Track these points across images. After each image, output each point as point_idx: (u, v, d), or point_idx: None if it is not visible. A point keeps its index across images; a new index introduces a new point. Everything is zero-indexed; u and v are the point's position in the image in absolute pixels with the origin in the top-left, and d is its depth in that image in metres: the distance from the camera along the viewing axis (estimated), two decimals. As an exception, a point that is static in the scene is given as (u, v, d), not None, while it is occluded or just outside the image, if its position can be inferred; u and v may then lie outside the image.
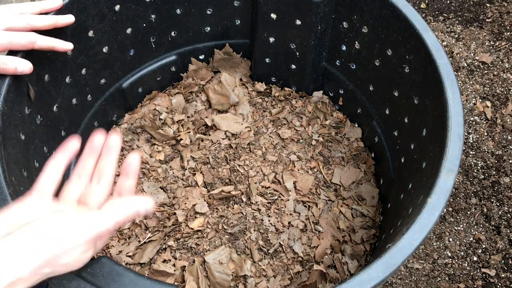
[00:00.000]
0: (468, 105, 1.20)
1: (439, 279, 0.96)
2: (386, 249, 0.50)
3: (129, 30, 0.82)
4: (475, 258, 0.98)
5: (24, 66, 0.59)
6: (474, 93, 1.22)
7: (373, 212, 0.84)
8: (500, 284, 0.95)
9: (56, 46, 0.63)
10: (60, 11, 0.68)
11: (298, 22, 0.84)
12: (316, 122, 0.95)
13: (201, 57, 0.98)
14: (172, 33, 0.90)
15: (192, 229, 0.81)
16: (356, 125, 0.95)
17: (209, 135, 0.93)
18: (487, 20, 1.37)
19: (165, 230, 0.81)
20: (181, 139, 0.91)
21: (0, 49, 0.58)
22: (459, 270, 0.97)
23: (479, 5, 1.41)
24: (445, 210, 1.04)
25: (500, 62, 1.27)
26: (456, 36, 1.33)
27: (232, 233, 0.81)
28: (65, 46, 0.65)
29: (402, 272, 0.97)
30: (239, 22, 0.92)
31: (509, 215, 1.03)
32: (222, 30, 0.93)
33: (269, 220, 0.82)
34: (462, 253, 0.99)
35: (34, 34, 0.60)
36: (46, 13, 0.65)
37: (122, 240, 0.81)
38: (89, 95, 0.83)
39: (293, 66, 0.94)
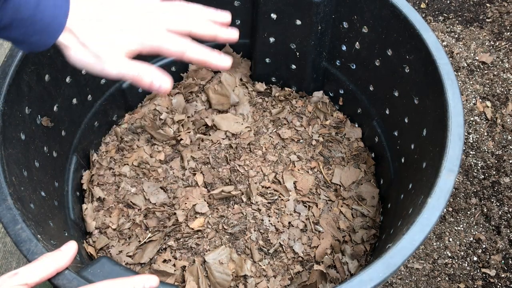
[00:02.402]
0: (468, 105, 1.20)
1: (439, 279, 0.96)
2: (386, 249, 0.50)
3: (129, 30, 0.82)
4: (475, 258, 0.98)
5: (161, 84, 0.50)
6: (474, 93, 1.22)
7: (373, 212, 0.84)
8: (500, 284, 0.95)
9: (209, 61, 0.52)
10: None
11: (298, 22, 0.84)
12: (316, 122, 0.95)
13: (201, 57, 0.98)
14: (172, 33, 0.90)
15: (192, 229, 0.81)
16: (356, 125, 0.95)
17: (209, 135, 0.93)
18: (487, 20, 1.37)
19: (165, 230, 0.81)
20: (181, 139, 0.91)
21: (150, 51, 0.50)
22: (459, 270, 0.97)
23: (479, 5, 1.41)
24: (445, 210, 1.04)
25: (500, 62, 1.27)
26: (456, 36, 1.33)
27: (232, 233, 0.81)
28: (222, 63, 0.53)
29: (402, 272, 0.97)
30: (239, 22, 0.92)
31: (509, 215, 1.03)
32: (222, 30, 0.93)
33: (269, 220, 0.82)
34: (462, 253, 0.99)
35: (188, 43, 0.51)
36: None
37: (122, 240, 0.81)
38: (90, 95, 0.83)
39: (293, 66, 0.94)
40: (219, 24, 0.54)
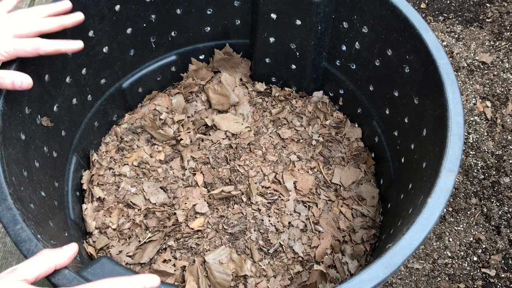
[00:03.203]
0: (468, 105, 1.20)
1: (439, 279, 0.96)
2: (386, 249, 0.50)
3: (129, 30, 0.82)
4: (475, 258, 0.98)
5: (22, 81, 0.57)
6: (474, 93, 1.22)
7: (373, 212, 0.84)
8: (500, 284, 0.95)
9: (61, 48, 0.61)
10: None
11: (298, 22, 0.84)
12: (316, 122, 0.95)
13: (201, 57, 0.98)
14: (172, 33, 0.90)
15: (192, 229, 0.81)
16: (356, 125, 0.95)
17: (209, 135, 0.93)
18: (487, 20, 1.37)
19: (165, 230, 0.81)
20: (181, 139, 0.91)
21: (8, 57, 0.57)
22: (459, 270, 0.97)
23: (479, 5, 1.41)
24: (445, 210, 1.04)
25: (500, 62, 1.27)
26: (456, 36, 1.34)
27: (232, 233, 0.81)
28: (73, 46, 0.62)
29: (402, 272, 0.97)
30: (239, 22, 0.92)
31: (509, 215, 1.03)
32: (222, 30, 0.93)
33: (269, 220, 0.82)
34: (462, 253, 0.99)
35: (39, 40, 0.59)
36: (56, 15, 0.64)
37: (122, 240, 0.81)
38: (89, 95, 0.83)
39: (293, 66, 0.94)
40: (62, 14, 0.64)
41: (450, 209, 1.04)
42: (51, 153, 0.72)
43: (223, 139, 0.92)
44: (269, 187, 0.86)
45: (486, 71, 1.25)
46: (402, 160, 0.77)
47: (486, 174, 1.09)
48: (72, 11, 0.69)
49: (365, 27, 0.78)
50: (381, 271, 0.47)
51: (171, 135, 0.92)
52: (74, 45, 0.63)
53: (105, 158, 0.89)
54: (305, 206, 0.84)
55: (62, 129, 0.76)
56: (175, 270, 0.77)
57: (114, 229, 0.81)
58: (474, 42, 1.31)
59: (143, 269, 0.78)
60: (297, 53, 0.90)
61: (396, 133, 0.80)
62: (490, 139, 1.14)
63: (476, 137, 1.14)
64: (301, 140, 0.93)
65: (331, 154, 0.92)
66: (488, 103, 1.20)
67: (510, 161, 1.10)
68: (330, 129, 0.94)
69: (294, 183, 0.86)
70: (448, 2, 1.42)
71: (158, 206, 0.84)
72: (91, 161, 0.88)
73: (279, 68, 0.96)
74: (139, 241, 0.80)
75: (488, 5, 1.41)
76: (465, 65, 1.26)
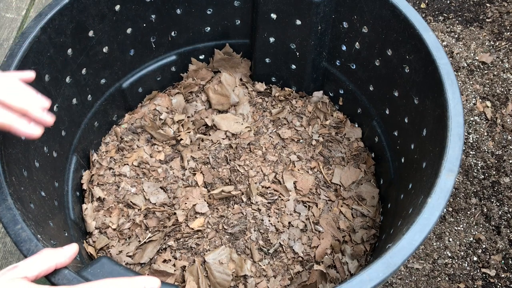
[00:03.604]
0: (468, 105, 1.20)
1: (439, 279, 0.96)
2: (386, 249, 0.50)
3: (129, 30, 0.82)
4: (475, 258, 0.98)
5: None
6: (474, 93, 1.22)
7: (373, 212, 0.84)
8: (500, 284, 0.95)
9: (13, 125, 0.51)
10: (60, 11, 0.67)
11: (298, 22, 0.84)
12: (316, 122, 0.95)
13: (201, 57, 0.98)
14: (172, 33, 0.90)
15: (192, 229, 0.81)
16: (356, 125, 0.95)
17: (209, 135, 0.93)
18: (487, 20, 1.37)
19: (165, 230, 0.81)
20: (181, 139, 0.91)
21: None
22: (459, 270, 0.97)
23: (479, 5, 1.41)
24: (445, 210, 1.04)
25: (500, 62, 1.27)
26: (456, 36, 1.33)
27: (232, 233, 0.81)
28: (29, 130, 0.52)
29: (402, 272, 0.97)
30: (239, 22, 0.92)
31: (509, 215, 1.03)
32: (222, 30, 0.93)
33: (269, 220, 0.82)
34: (462, 253, 0.99)
35: None
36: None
37: (122, 240, 0.81)
38: (89, 95, 0.83)
39: (293, 66, 0.94)
40: (39, 113, 0.54)
41: (450, 209, 1.04)
42: (51, 153, 0.72)
43: (223, 139, 0.92)
44: (269, 187, 0.86)
45: (486, 71, 1.25)
46: (402, 160, 0.77)
47: (486, 174, 1.09)
48: (72, 10, 0.69)
49: (365, 27, 0.78)
50: (381, 271, 0.47)
51: (171, 135, 0.92)
52: (31, 130, 0.52)
53: (105, 158, 0.89)
54: (305, 206, 0.84)
55: (62, 129, 0.76)
56: (175, 270, 0.77)
57: (114, 229, 0.81)
58: (474, 42, 1.31)
59: (143, 269, 0.78)
60: (297, 53, 0.90)
61: (396, 133, 0.80)
62: (490, 139, 1.14)
63: (476, 137, 1.14)
64: (301, 140, 0.93)
65: (331, 154, 0.92)
66: (488, 103, 1.19)
67: (510, 161, 1.10)
68: (330, 129, 0.94)
69: (294, 183, 0.86)
70: (448, 2, 1.42)
71: (158, 206, 0.84)
72: (91, 161, 0.88)
73: (279, 68, 0.96)
74: (139, 241, 0.80)
75: (488, 5, 1.41)
76: (465, 65, 1.26)
